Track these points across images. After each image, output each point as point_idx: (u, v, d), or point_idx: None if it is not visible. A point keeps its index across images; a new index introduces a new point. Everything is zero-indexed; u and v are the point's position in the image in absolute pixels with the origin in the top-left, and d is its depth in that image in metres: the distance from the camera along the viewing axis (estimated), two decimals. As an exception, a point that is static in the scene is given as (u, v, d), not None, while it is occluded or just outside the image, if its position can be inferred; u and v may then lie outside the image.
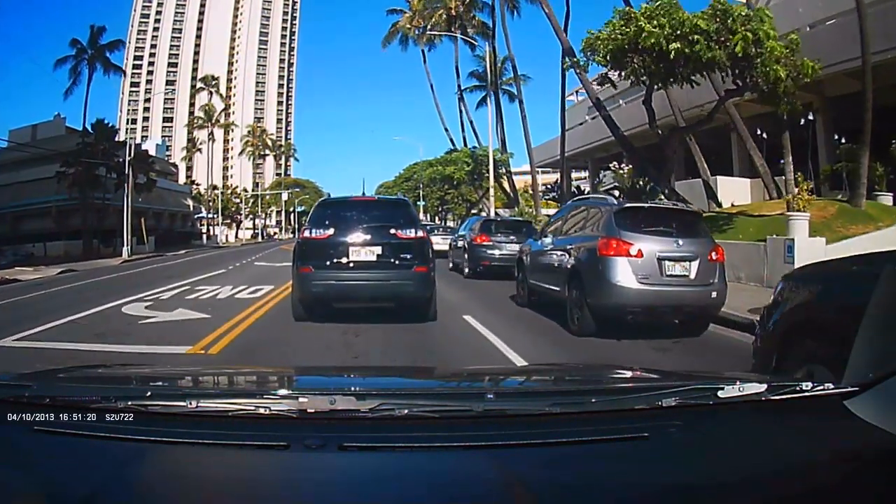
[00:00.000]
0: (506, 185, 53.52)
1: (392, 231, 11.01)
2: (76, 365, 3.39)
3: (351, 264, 10.79)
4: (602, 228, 10.34)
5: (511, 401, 2.28)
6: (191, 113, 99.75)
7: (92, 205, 50.64)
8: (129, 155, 47.08)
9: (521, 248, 15.06)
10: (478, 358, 8.84)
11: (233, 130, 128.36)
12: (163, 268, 28.92)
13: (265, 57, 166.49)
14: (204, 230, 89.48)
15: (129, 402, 1.88)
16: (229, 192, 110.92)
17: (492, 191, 41.66)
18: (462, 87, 58.18)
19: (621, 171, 32.26)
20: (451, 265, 24.39)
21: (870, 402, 1.77)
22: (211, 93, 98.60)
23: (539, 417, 1.93)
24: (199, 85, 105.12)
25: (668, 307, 10.09)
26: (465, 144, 57.03)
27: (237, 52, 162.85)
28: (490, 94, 52.88)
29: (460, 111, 60.02)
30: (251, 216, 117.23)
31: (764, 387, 1.98)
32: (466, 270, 21.50)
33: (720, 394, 1.94)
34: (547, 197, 55.98)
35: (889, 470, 1.57)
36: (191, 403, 1.92)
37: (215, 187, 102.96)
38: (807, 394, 1.93)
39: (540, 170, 63.76)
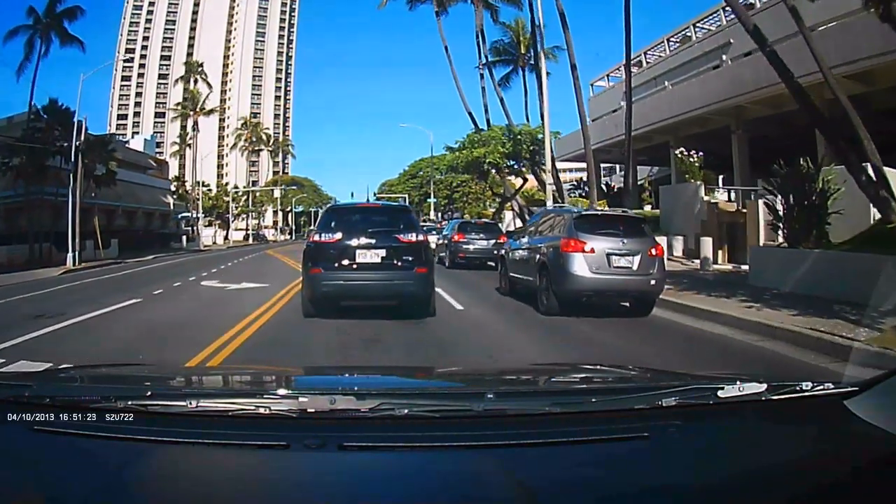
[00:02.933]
0: (544, 176, 42.54)
1: (395, 235, 12.20)
2: (76, 365, 3.45)
3: (357, 266, 11.98)
4: (564, 231, 13.15)
5: (511, 401, 2.34)
6: (182, 105, 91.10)
7: (42, 202, 43.42)
8: (78, 139, 39.20)
9: (504, 246, 18.12)
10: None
11: (227, 126, 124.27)
12: (83, 286, 22.48)
13: (262, 50, 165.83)
14: (189, 231, 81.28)
15: (129, 402, 1.94)
16: (218, 189, 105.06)
17: (549, 177, 32.26)
18: (489, 59, 48.88)
19: (690, 160, 28.41)
20: (436, 259, 28.68)
21: (870, 402, 1.83)
22: (197, 80, 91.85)
23: (539, 417, 1.99)
24: (183, 72, 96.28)
25: (614, 292, 13.04)
26: (489, 127, 46.88)
27: (233, 46, 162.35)
28: (526, 61, 46.14)
29: (483, 89, 50.03)
30: (243, 216, 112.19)
31: (764, 387, 2.04)
32: (447, 262, 26.87)
33: (720, 394, 2.00)
34: (575, 194, 48.52)
35: (889, 470, 1.63)
36: (191, 403, 1.99)
37: (200, 183, 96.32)
38: (807, 394, 2.00)
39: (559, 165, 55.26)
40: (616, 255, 12.55)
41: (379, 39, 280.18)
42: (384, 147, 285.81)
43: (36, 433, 1.81)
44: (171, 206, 75.32)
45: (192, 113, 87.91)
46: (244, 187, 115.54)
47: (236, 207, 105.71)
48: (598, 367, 3.44)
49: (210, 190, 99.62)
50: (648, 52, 44.89)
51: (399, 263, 12.08)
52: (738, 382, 2.07)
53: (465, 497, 1.58)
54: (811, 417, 1.97)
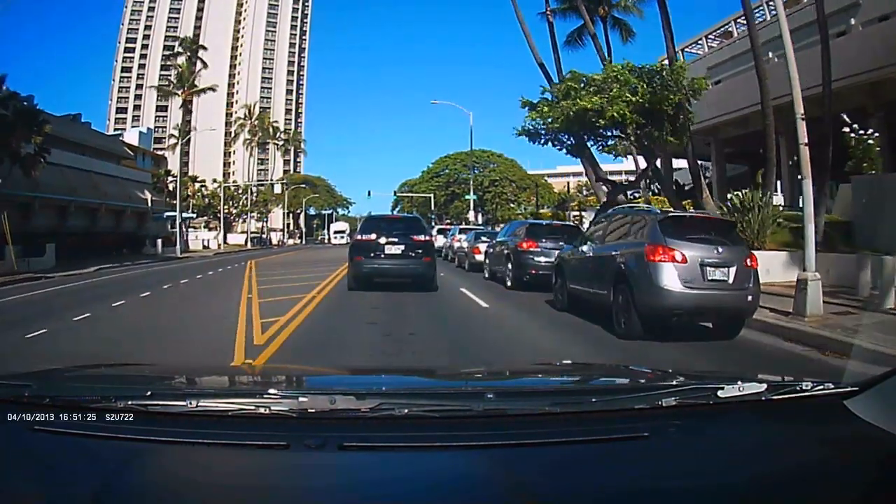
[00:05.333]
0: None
1: (410, 236, 19.31)
2: (76, 365, 3.57)
3: (384, 255, 19.08)
4: (648, 236, 11.94)
5: (511, 401, 2.44)
6: (170, 83, 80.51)
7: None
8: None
9: (559, 255, 17.08)
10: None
11: (233, 123, 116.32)
12: None
13: (273, 41, 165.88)
14: (175, 233, 65.84)
15: (129, 402, 2.05)
16: (216, 185, 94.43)
17: (801, 130, 15.10)
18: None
19: (868, 140, 21.72)
20: (486, 275, 24.88)
21: (870, 402, 1.92)
22: (190, 58, 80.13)
23: (539, 417, 2.10)
24: (177, 49, 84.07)
25: (709, 309, 11.68)
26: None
27: (242, 37, 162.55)
28: (608, 10, 36.25)
29: (552, 40, 37.58)
30: (242, 217, 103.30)
31: (764, 387, 2.15)
32: (509, 281, 20.98)
33: (720, 394, 2.11)
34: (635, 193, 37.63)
35: (889, 470, 1.72)
36: (191, 403, 2.10)
37: (195, 178, 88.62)
38: (807, 394, 2.10)
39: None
40: (711, 265, 11.49)
41: (400, 28, 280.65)
42: (405, 145, 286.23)
43: (36, 433, 1.90)
44: (150, 203, 63.50)
45: (180, 92, 77.90)
46: (245, 184, 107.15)
47: (235, 206, 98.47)
48: (599, 367, 3.56)
49: (204, 186, 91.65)
50: (740, 20, 37.10)
51: (413, 254, 19.12)
52: (738, 382, 2.18)
53: (465, 497, 1.65)
54: (811, 417, 2.05)
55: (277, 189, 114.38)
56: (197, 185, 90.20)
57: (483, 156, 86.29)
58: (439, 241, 38.04)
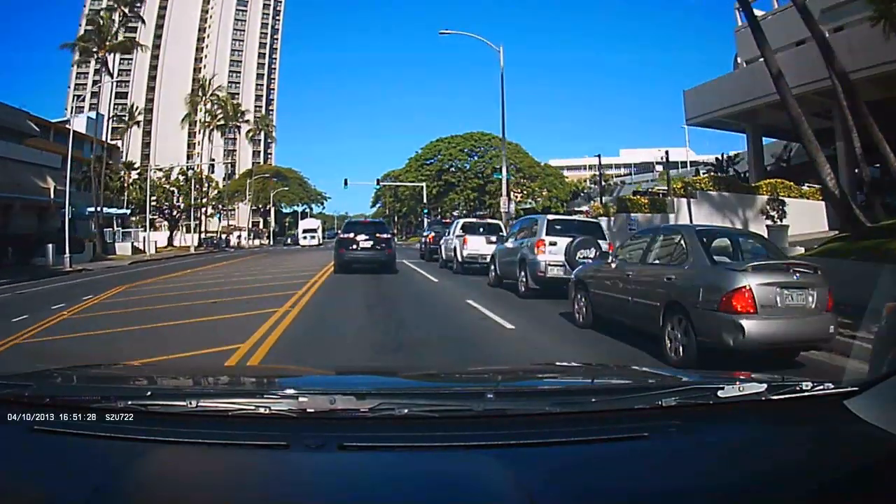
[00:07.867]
0: None
1: (376, 234, 28.36)
2: (76, 365, 3.68)
3: (359, 248, 27.69)
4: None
5: (511, 401, 2.55)
6: (83, 37, 64.10)
7: None
8: None
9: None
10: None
11: (201, 110, 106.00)
12: None
13: (244, 20, 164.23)
14: (67, 234, 45.54)
15: (129, 402, 2.14)
16: (158, 173, 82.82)
17: None
18: None
19: None
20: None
21: (870, 402, 2.04)
22: (123, 13, 64.57)
23: (539, 417, 2.21)
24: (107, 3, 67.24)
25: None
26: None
27: (210, 17, 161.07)
28: None
29: None
30: (214, 214, 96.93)
31: (764, 387, 2.27)
32: None
33: (720, 394, 2.23)
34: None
35: (889, 470, 1.82)
36: (191, 403, 2.19)
37: (131, 165, 79.20)
38: (807, 394, 2.22)
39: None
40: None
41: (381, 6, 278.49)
42: (386, 136, 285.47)
43: (36, 433, 1.99)
44: (52, 194, 50.66)
45: (96, 49, 61.91)
46: (223, 180, 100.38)
47: (178, 200, 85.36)
48: (599, 366, 3.69)
49: (140, 175, 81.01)
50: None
51: (379, 247, 27.79)
52: (737, 382, 2.31)
53: (465, 497, 1.74)
54: (811, 417, 2.16)
55: (219, 173, 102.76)
56: (134, 174, 79.41)
57: (483, 139, 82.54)
58: (475, 245, 28.16)
